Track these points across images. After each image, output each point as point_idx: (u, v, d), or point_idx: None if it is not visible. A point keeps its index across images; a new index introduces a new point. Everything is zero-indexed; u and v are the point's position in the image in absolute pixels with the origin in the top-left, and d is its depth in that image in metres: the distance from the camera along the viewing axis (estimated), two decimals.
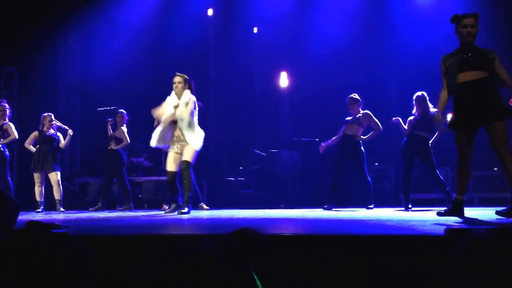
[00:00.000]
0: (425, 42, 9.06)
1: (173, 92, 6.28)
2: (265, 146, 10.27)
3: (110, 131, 8.39)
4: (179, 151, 6.18)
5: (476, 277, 1.25)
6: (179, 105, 6.16)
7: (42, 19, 9.72)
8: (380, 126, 7.30)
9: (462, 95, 4.29)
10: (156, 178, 9.53)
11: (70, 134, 8.30)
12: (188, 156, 6.07)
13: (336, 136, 7.50)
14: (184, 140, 6.07)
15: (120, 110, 8.51)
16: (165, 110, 6.23)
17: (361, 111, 7.39)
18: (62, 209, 7.96)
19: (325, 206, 7.15)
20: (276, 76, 10.94)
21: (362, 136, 7.37)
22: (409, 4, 10.15)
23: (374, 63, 9.82)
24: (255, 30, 11.39)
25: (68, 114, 10.75)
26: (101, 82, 10.33)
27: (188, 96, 6.17)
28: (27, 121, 9.41)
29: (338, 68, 9.99)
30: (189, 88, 6.26)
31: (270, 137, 10.95)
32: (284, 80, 10.86)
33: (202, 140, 6.22)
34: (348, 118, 7.45)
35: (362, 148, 7.35)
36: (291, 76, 10.86)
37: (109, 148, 8.32)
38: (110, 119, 8.47)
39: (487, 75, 4.22)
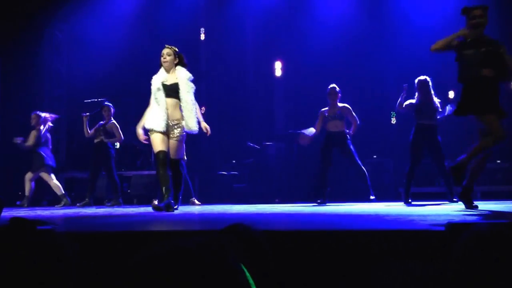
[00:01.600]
0: (424, 31, 8.93)
1: (161, 69, 5.52)
2: (258, 139, 10.14)
3: (87, 127, 8.06)
4: (169, 134, 5.47)
5: (478, 272, 1.24)
6: (174, 81, 5.44)
7: (27, 7, 9.44)
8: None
9: (477, 87, 4.41)
10: (146, 172, 9.35)
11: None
12: (178, 152, 5.55)
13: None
14: (185, 125, 5.43)
15: (106, 103, 8.20)
16: (156, 94, 5.45)
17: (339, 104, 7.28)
18: (62, 203, 7.97)
19: (319, 201, 7.04)
20: (270, 66, 10.78)
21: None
22: None
23: (371, 51, 9.69)
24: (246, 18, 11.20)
25: (53, 106, 10.45)
26: (88, 73, 10.06)
27: (187, 73, 5.50)
28: (12, 114, 9.21)
29: (334, 58, 9.82)
30: (181, 62, 5.59)
31: (264, 130, 10.81)
32: (278, 70, 10.71)
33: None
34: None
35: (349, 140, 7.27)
36: (285, 66, 10.71)
37: (96, 141, 8.05)
38: (86, 114, 8.14)
39: (495, 73, 4.39)
